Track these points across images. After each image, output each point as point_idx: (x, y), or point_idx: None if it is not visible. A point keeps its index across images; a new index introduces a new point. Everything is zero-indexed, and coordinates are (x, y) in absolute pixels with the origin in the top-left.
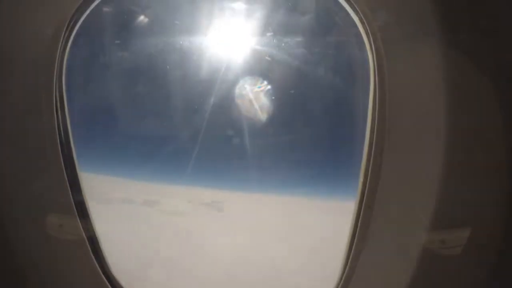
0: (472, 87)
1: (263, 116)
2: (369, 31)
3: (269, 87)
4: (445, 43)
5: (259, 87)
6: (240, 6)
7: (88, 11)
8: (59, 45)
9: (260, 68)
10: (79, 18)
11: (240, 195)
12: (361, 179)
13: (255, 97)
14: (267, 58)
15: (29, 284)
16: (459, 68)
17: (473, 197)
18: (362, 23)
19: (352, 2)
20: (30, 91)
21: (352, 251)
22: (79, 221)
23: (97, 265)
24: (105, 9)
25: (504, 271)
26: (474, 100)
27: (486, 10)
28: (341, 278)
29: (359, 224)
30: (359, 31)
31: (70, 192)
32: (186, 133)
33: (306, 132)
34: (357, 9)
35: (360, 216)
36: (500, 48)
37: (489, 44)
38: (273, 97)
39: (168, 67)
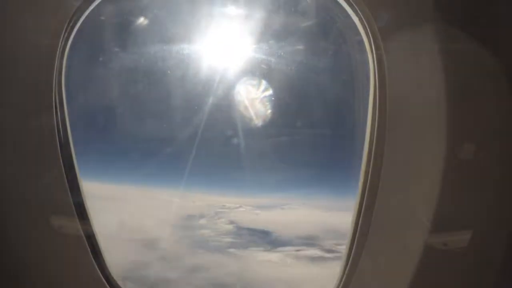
0: (473, 87)
1: (264, 118)
2: (369, 31)
3: (269, 88)
4: (445, 43)
5: (260, 89)
6: (242, 8)
7: (88, 11)
8: (59, 45)
9: (260, 70)
10: (79, 18)
11: (242, 199)
12: (361, 179)
13: (256, 99)
14: (267, 58)
15: (29, 284)
16: (459, 68)
17: (475, 197)
18: (362, 23)
19: (352, 3)
20: (30, 91)
21: (353, 251)
22: (78, 221)
23: (95, 265)
24: (105, 9)
25: (505, 272)
26: (475, 99)
27: (486, 9)
28: (341, 278)
29: (359, 224)
30: (359, 32)
31: (69, 192)
32: (183, 135)
33: (306, 133)
34: (357, 10)
35: (361, 217)
36: (501, 47)
37: (489, 43)
38: (273, 98)
39: (166, 68)
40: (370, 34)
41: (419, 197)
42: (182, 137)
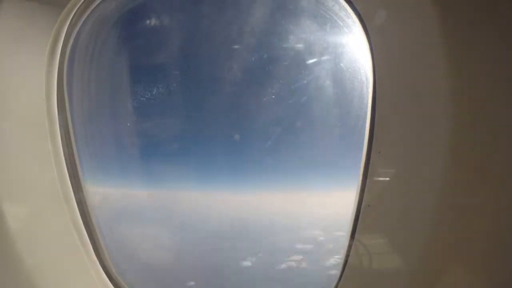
0: (473, 86)
1: (264, 117)
2: (368, 30)
3: (269, 87)
4: (445, 42)
5: (260, 88)
6: (240, 5)
7: (88, 11)
8: (60, 45)
9: (260, 68)
10: (79, 18)
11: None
12: (360, 177)
13: (256, 97)
14: (266, 58)
15: (29, 282)
16: (459, 67)
17: (474, 195)
18: (362, 22)
19: (352, 2)
20: (31, 91)
21: (352, 249)
22: (81, 220)
23: (99, 264)
24: (106, 8)
25: (504, 271)
26: (475, 98)
27: (486, 8)
28: (340, 277)
29: (358, 223)
30: (358, 31)
31: (71, 191)
32: (184, 134)
33: (306, 131)
34: (357, 9)
35: (360, 215)
36: (502, 45)
37: (489, 42)
38: (273, 97)
39: (170, 66)
40: (369, 33)
41: (418, 195)
42: (182, 136)
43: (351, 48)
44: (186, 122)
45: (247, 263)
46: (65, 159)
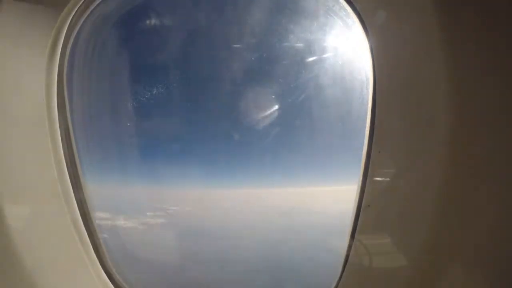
0: (473, 86)
1: (265, 116)
2: (368, 30)
3: (269, 87)
4: (445, 41)
5: (261, 87)
6: (240, 5)
7: (88, 11)
8: (60, 45)
9: (260, 68)
10: (79, 18)
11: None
12: (360, 177)
13: (258, 97)
14: (267, 58)
15: (29, 282)
16: (459, 67)
17: (474, 195)
18: (362, 22)
19: (352, 2)
20: (31, 92)
21: (352, 249)
22: (81, 220)
23: (99, 264)
24: (106, 9)
25: (504, 271)
26: (475, 98)
27: (486, 8)
28: (340, 277)
29: (358, 223)
30: (358, 31)
31: (71, 191)
32: (184, 133)
33: (306, 131)
34: (357, 9)
35: (360, 215)
36: (502, 45)
37: (489, 42)
38: (273, 96)
39: (170, 66)
40: (369, 33)
41: (419, 195)
42: (182, 134)
43: (351, 48)
44: (185, 121)
45: (247, 261)
46: (65, 159)
